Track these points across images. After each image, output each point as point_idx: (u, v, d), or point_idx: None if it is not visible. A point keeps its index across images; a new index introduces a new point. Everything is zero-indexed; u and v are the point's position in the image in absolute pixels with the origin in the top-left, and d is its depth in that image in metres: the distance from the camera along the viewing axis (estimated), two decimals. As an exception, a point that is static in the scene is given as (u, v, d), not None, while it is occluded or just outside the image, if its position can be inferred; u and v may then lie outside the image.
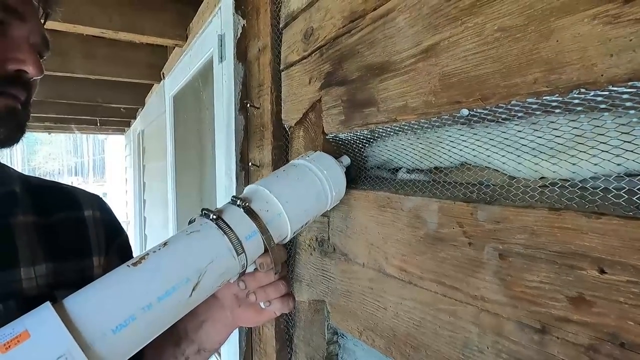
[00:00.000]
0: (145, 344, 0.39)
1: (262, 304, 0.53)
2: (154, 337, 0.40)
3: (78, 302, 0.36)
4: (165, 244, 0.43)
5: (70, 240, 0.51)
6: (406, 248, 0.53)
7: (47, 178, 0.61)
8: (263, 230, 0.46)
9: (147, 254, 0.42)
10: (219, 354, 1.25)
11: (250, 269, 0.49)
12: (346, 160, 0.63)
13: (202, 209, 0.46)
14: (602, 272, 0.33)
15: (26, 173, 0.56)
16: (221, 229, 0.44)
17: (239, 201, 0.47)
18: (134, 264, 0.40)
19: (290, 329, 0.89)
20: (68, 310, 0.35)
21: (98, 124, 4.21)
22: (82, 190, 0.59)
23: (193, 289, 0.40)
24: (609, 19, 0.30)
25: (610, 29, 0.30)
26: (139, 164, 3.88)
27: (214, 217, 0.45)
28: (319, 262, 0.75)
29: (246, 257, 0.45)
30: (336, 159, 0.61)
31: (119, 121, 4.28)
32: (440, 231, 0.48)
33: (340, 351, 0.76)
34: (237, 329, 1.01)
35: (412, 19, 0.48)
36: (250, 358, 1.01)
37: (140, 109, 3.57)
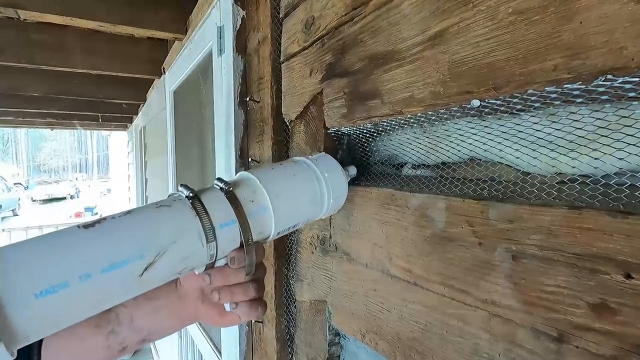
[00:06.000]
0: (72, 323, 0.33)
1: (227, 306, 0.47)
2: (85, 317, 0.34)
3: (7, 253, 0.31)
4: (129, 212, 0.38)
5: None
6: (411, 248, 0.50)
7: None
8: (242, 221, 0.41)
9: (105, 218, 0.36)
10: (219, 353, 1.23)
11: (221, 263, 0.44)
12: (352, 170, 0.59)
13: (181, 184, 0.42)
14: (629, 277, 0.30)
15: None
16: (195, 209, 0.39)
17: (222, 184, 0.42)
18: (86, 226, 0.35)
19: (291, 330, 0.86)
20: None
21: (100, 120, 4.20)
22: None
23: (145, 269, 0.35)
24: (642, -4, 0.27)
25: (643, 8, 0.27)
26: (141, 160, 3.86)
27: (190, 194, 0.40)
28: (320, 261, 0.72)
29: (217, 247, 0.40)
30: (343, 167, 0.56)
31: (121, 117, 4.27)
32: (448, 230, 0.45)
33: (342, 353, 0.74)
34: (238, 328, 0.99)
35: (419, 4, 0.45)
36: (251, 358, 0.99)
37: (141, 105, 3.55)
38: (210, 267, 0.43)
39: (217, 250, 0.40)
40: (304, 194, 0.49)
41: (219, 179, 0.44)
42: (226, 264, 0.44)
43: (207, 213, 0.39)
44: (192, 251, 0.38)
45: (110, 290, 0.34)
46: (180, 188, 0.41)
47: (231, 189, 0.43)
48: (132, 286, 0.35)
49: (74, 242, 0.33)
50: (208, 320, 0.49)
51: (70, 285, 0.31)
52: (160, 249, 0.36)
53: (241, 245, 0.42)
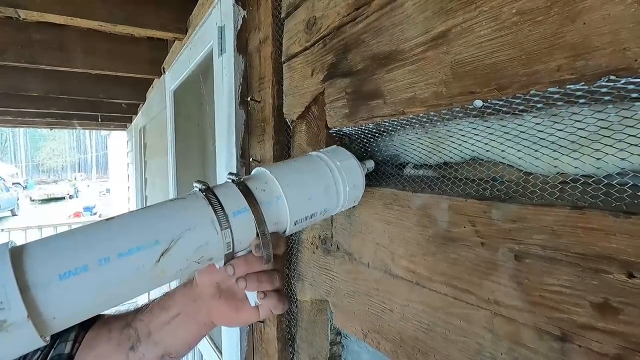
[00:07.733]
0: (96, 312, 0.35)
1: (252, 300, 0.46)
2: (107, 306, 0.36)
3: (38, 244, 0.34)
4: (146, 207, 0.41)
5: None
6: (414, 248, 0.51)
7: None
8: (255, 209, 0.42)
9: (125, 213, 0.40)
10: (220, 353, 1.23)
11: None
12: (370, 163, 0.59)
13: (196, 180, 0.44)
14: (631, 276, 0.30)
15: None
16: (208, 199, 0.41)
17: (234, 177, 0.45)
18: (107, 219, 0.38)
19: (292, 329, 0.87)
20: (25, 251, 0.33)
21: (99, 120, 4.20)
22: None
23: (162, 254, 0.36)
24: (646, -3, 0.27)
25: (647, 9, 0.27)
26: (140, 159, 3.86)
27: (203, 187, 0.43)
28: (321, 260, 0.72)
29: (232, 234, 0.41)
30: (360, 161, 0.56)
31: (121, 117, 4.27)
32: (451, 230, 0.45)
33: (344, 352, 0.74)
34: (239, 328, 0.99)
35: (422, 4, 0.45)
36: (252, 358, 0.99)
37: (141, 105, 3.55)
38: (229, 259, 0.44)
39: (233, 239, 0.41)
40: (317, 181, 0.50)
41: (231, 173, 0.46)
42: (249, 252, 0.45)
43: (219, 202, 0.41)
44: (206, 239, 0.40)
45: (129, 277, 0.36)
46: (195, 184, 0.44)
47: (242, 180, 0.45)
48: (150, 273, 0.37)
49: (94, 231, 0.36)
50: (224, 319, 0.49)
51: (91, 268, 0.33)
52: (175, 236, 0.38)
53: (258, 235, 0.43)
